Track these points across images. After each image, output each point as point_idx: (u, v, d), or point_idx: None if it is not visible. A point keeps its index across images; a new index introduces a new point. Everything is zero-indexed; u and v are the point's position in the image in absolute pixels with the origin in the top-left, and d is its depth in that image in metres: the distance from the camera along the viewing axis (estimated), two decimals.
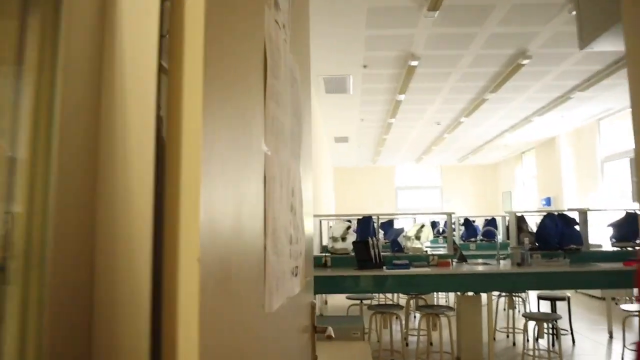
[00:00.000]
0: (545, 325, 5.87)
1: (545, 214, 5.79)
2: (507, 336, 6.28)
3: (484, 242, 8.73)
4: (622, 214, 5.93)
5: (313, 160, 10.96)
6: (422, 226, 5.84)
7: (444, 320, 5.05)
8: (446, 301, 8.27)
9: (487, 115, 9.80)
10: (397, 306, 5.28)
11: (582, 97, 8.53)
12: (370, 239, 5.53)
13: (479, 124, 10.53)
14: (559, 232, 5.72)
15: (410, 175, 18.29)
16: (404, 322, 5.82)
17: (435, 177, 18.27)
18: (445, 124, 10.45)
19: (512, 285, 5.24)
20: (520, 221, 5.84)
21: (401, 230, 5.95)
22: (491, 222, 8.98)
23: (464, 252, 8.30)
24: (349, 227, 5.81)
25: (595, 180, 10.90)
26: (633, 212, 5.85)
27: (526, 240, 5.43)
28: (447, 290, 6.12)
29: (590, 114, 9.95)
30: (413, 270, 5.15)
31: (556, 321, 4.89)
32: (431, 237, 5.93)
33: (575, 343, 6.02)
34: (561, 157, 11.78)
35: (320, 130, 10.28)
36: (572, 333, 6.12)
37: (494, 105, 8.99)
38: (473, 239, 8.74)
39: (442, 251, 6.15)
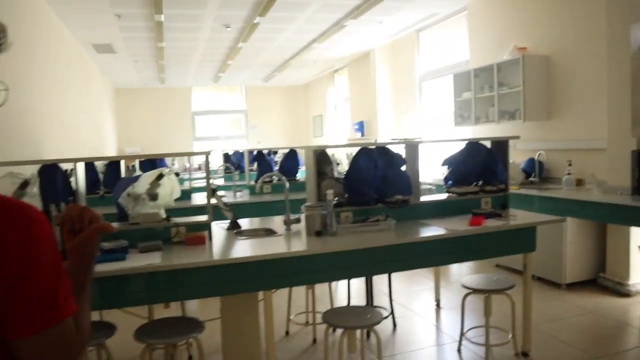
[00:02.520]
0: None
1: (359, 148, 3.70)
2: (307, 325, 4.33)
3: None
4: (462, 146, 4.12)
5: (58, 73, 7.77)
6: (160, 176, 3.38)
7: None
8: None
9: (290, 16, 7.47)
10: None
11: None
12: (55, 206, 2.96)
13: (281, 28, 8.18)
14: (379, 177, 3.70)
15: (211, 98, 15.57)
16: None
17: (240, 100, 15.82)
18: (236, 26, 7.90)
19: (299, 279, 3.14)
20: (322, 161, 3.69)
21: (128, 182, 3.44)
22: (291, 156, 6.90)
23: (254, 199, 6.12)
24: (25, 184, 3.09)
25: (412, 102, 9.41)
26: (477, 142, 4.05)
27: (329, 192, 3.30)
28: (184, 299, 3.89)
29: (411, 21, 8.19)
30: (126, 266, 2.74)
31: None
32: (177, 193, 3.52)
33: (397, 328, 4.26)
34: (376, 75, 10.09)
35: (62, 32, 7.06)
36: (393, 315, 4.32)
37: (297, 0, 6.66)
38: (268, 180, 6.58)
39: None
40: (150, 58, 10.07)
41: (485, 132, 7.15)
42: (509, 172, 4.03)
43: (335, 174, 3.65)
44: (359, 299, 4.83)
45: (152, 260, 2.85)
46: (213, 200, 3.52)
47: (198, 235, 3.26)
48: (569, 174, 5.34)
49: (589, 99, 5.49)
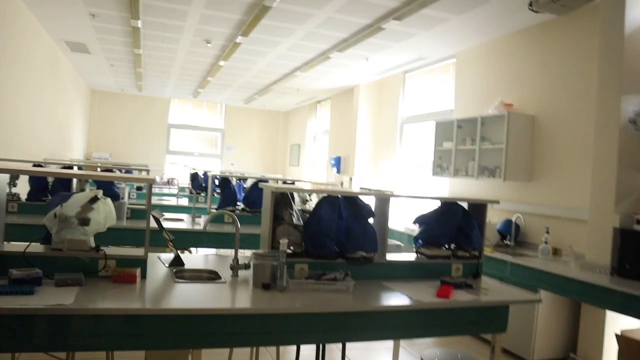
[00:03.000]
0: None
1: (323, 196, 3.33)
2: None
3: (246, 212, 6.21)
4: (436, 205, 3.78)
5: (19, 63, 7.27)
6: (94, 199, 2.95)
7: None
8: None
9: (273, 40, 7.17)
10: None
11: (395, 33, 6.36)
12: None
13: (264, 51, 7.87)
14: (342, 228, 3.34)
15: (189, 112, 15.14)
16: None
17: (218, 118, 15.42)
18: (217, 43, 7.56)
19: (238, 340, 2.74)
20: (282, 203, 3.31)
21: (62, 199, 3.00)
22: (257, 185, 6.49)
23: (213, 228, 5.69)
24: None
25: (392, 143, 9.15)
26: (454, 202, 3.71)
27: (283, 241, 2.91)
28: (99, 349, 3.45)
29: (399, 62, 7.97)
30: (29, 303, 2.29)
31: None
32: (113, 219, 3.08)
33: None
34: (358, 112, 9.83)
35: (28, 22, 6.62)
36: None
37: (282, 24, 6.37)
38: (229, 209, 6.17)
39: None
40: (127, 64, 9.66)
41: (462, 186, 6.89)
42: (484, 238, 3.70)
43: (294, 219, 3.27)
44: None
45: (64, 299, 2.41)
46: (154, 224, 3.09)
47: (128, 273, 2.83)
48: (545, 242, 5.06)
49: (573, 166, 5.25)
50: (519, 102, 6.01)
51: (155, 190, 10.63)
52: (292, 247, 3.22)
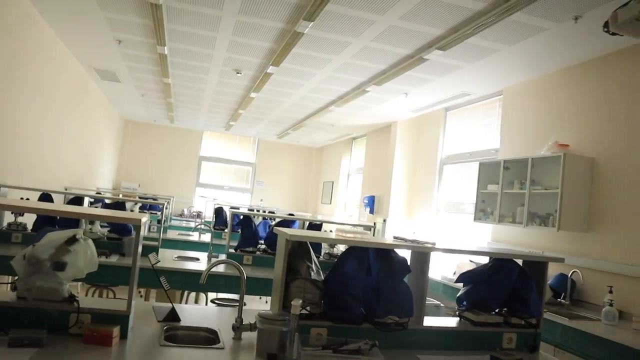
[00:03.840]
0: None
1: (346, 248, 2.76)
2: None
3: (267, 254, 5.67)
4: (484, 261, 3.16)
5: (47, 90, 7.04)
6: (72, 240, 2.45)
7: None
8: None
9: (306, 71, 6.75)
10: None
11: (437, 65, 5.84)
12: None
13: (296, 83, 7.46)
14: (371, 287, 2.75)
15: (221, 145, 14.87)
16: None
17: (250, 153, 15.09)
18: (248, 73, 7.19)
19: None
20: (299, 254, 2.75)
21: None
22: (284, 225, 5.96)
23: (228, 271, 5.14)
24: None
25: (430, 185, 8.53)
26: (509, 260, 3.07)
27: (295, 302, 2.34)
28: None
29: (440, 98, 7.41)
30: None
31: None
32: (94, 265, 2.57)
33: None
34: (395, 150, 9.27)
35: (57, 49, 6.39)
36: None
37: (315, 53, 5.94)
38: (249, 249, 5.64)
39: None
40: (157, 94, 9.41)
41: (508, 233, 6.21)
42: (543, 303, 3.05)
43: (313, 273, 2.71)
44: None
45: None
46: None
47: (103, 333, 2.30)
48: (610, 304, 4.31)
49: None
50: (576, 143, 5.36)
51: (174, 223, 10.24)
52: (308, 308, 2.64)
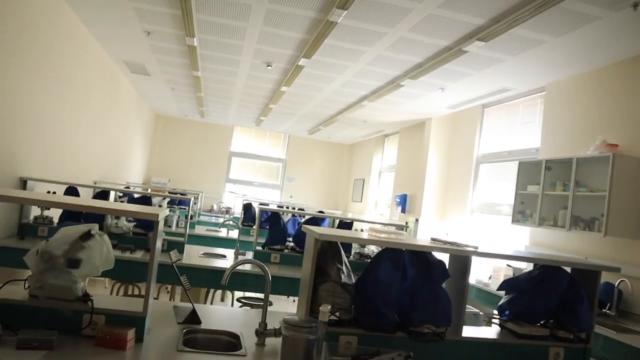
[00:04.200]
0: None
1: (379, 250, 2.54)
2: None
3: (296, 252, 5.49)
4: (522, 266, 2.90)
5: (78, 82, 7.01)
6: (87, 235, 2.30)
7: None
8: None
9: (338, 64, 6.54)
10: None
11: (477, 58, 5.55)
12: None
13: (328, 77, 7.25)
14: (406, 293, 2.53)
15: (252, 141, 14.77)
16: None
17: (280, 148, 14.94)
18: (279, 66, 7.01)
19: None
20: (329, 255, 2.54)
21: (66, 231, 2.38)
22: (313, 223, 5.76)
23: (255, 270, 4.96)
24: None
25: (465, 184, 8.22)
26: (557, 267, 2.80)
27: (324, 308, 2.14)
28: None
29: (479, 93, 7.10)
30: None
31: None
32: (110, 262, 2.41)
33: None
34: (429, 148, 8.98)
35: (85, 40, 6.32)
36: None
37: (348, 44, 5.72)
38: (277, 247, 5.47)
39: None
40: (187, 88, 9.32)
41: (548, 238, 5.88)
42: (594, 316, 2.77)
43: (343, 276, 2.50)
44: None
45: None
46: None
47: (116, 335, 2.14)
48: None
49: None
50: (626, 143, 5.01)
51: (204, 219, 10.15)
52: (337, 314, 2.44)
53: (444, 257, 2.66)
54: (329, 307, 2.18)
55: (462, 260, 2.64)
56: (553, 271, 2.75)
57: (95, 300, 2.29)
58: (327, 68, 6.75)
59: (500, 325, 2.84)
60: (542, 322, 2.83)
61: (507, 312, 2.85)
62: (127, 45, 6.97)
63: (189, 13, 5.18)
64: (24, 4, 4.66)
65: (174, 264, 2.69)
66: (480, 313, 3.32)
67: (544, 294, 2.73)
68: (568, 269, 2.86)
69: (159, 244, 2.34)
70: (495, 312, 2.97)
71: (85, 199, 2.96)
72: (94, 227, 2.36)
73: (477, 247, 2.54)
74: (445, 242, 2.61)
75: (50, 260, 2.30)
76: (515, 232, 6.75)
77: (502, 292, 2.96)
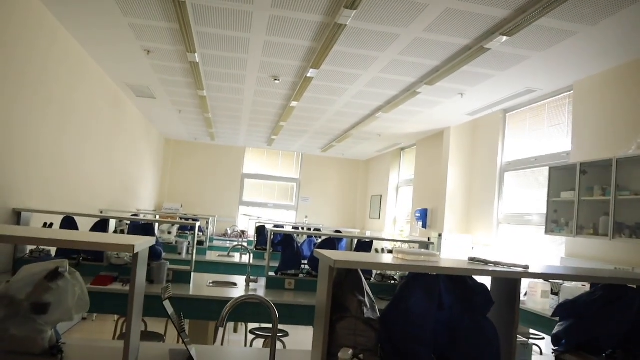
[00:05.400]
0: None
1: (408, 275, 2.10)
2: None
3: (311, 277, 5.05)
4: (575, 288, 2.43)
5: (81, 108, 6.74)
6: (54, 274, 1.90)
7: None
8: None
9: (349, 73, 6.16)
10: None
11: (500, 57, 5.13)
12: None
13: (339, 88, 6.87)
14: (442, 325, 2.08)
15: (264, 162, 14.43)
16: None
17: (293, 168, 14.57)
18: (286, 80, 6.65)
19: None
20: (348, 286, 2.11)
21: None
22: (329, 244, 5.31)
23: (268, 297, 4.53)
24: None
25: (489, 195, 7.73)
26: (623, 286, 2.34)
27: (344, 353, 1.71)
28: None
29: (501, 96, 6.65)
30: None
31: None
32: (85, 305, 2.01)
33: None
34: (449, 158, 8.52)
35: (86, 63, 6.03)
36: None
37: (359, 50, 5.34)
38: (291, 272, 5.03)
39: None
40: (194, 109, 9.02)
41: (587, 248, 5.39)
42: None
43: (366, 310, 2.07)
44: None
45: None
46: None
47: None
48: None
49: None
50: None
51: (217, 243, 9.75)
52: (361, 356, 1.99)
53: (484, 280, 2.21)
54: (351, 351, 1.74)
55: (508, 283, 2.18)
56: (620, 291, 2.28)
57: (68, 351, 1.88)
58: (337, 78, 6.37)
59: (557, 358, 2.37)
60: (607, 352, 2.35)
61: (564, 342, 2.38)
62: (128, 67, 6.68)
63: (187, 26, 4.85)
64: (13, 24, 4.36)
65: (162, 302, 2.27)
66: (529, 342, 2.84)
67: (609, 319, 2.26)
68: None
69: (140, 279, 1.93)
70: (547, 337, 2.50)
71: (52, 230, 2.55)
72: (63, 264, 1.96)
73: (527, 267, 2.08)
74: (487, 262, 2.17)
75: (12, 305, 1.90)
76: (548, 243, 6.25)
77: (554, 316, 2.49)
